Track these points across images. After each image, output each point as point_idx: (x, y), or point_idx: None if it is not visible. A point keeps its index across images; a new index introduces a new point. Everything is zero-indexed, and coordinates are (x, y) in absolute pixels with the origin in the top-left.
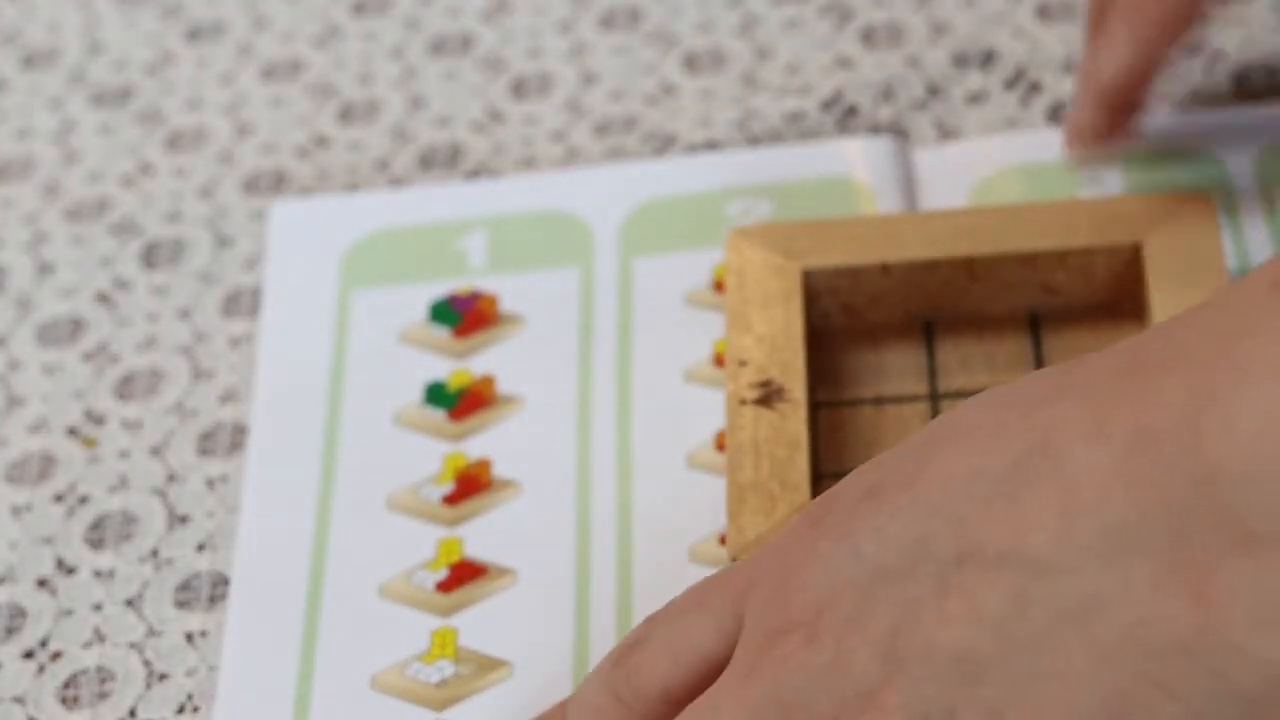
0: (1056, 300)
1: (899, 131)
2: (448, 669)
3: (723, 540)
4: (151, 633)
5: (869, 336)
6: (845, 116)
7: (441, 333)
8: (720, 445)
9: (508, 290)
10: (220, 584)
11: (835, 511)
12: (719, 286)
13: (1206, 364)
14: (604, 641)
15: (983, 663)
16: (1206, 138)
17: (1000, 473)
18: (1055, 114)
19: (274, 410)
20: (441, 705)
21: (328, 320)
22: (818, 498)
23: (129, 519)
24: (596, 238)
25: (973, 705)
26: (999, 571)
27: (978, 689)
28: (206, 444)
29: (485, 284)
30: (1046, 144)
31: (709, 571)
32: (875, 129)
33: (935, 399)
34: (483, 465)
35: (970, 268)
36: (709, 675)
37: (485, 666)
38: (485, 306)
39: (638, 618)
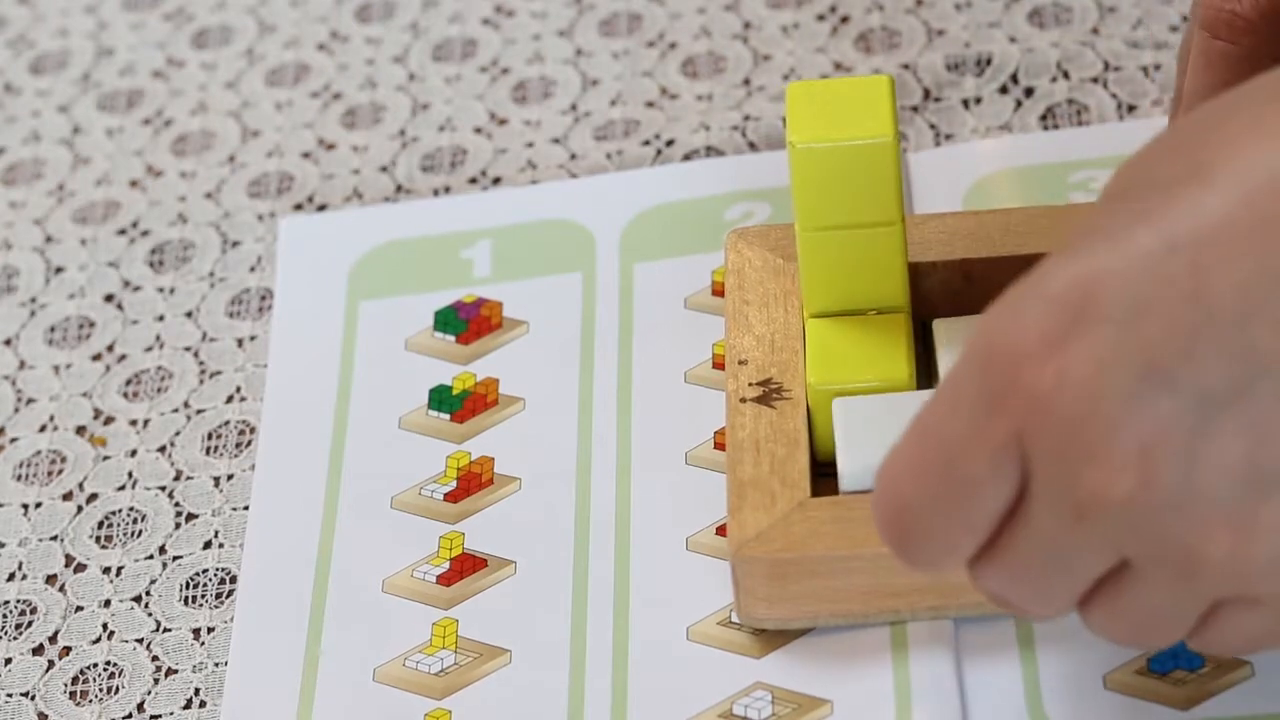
0: None
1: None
2: (448, 659)
3: (720, 531)
4: (159, 629)
5: None
6: None
7: (446, 340)
8: (719, 444)
9: (511, 297)
10: (227, 581)
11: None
12: (718, 290)
13: None
14: (602, 630)
15: None
16: None
17: None
18: (1049, 117)
19: (283, 416)
20: (442, 694)
21: (336, 331)
22: None
23: (137, 517)
24: (599, 244)
25: None
26: None
27: None
28: (213, 443)
29: (490, 292)
30: (1041, 147)
31: (706, 561)
32: None
33: None
34: (485, 463)
35: (966, 270)
36: None
37: (485, 655)
38: (489, 313)
39: (635, 606)
